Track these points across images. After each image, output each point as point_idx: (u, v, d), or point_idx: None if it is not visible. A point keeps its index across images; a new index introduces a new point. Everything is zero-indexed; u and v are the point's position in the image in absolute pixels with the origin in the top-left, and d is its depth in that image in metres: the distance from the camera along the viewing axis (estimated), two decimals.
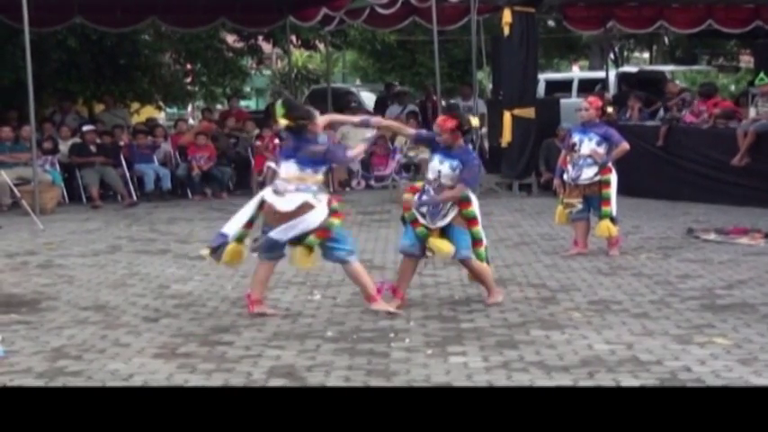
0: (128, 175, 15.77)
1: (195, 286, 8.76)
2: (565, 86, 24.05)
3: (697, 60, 33.05)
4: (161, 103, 23.50)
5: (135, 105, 22.02)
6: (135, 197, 15.43)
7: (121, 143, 16.33)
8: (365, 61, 33.14)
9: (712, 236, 10.93)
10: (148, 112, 22.74)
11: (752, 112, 13.69)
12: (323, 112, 8.62)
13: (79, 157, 15.46)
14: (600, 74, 23.82)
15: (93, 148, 15.61)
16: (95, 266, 9.86)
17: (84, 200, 15.26)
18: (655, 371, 5.92)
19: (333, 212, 7.53)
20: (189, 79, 24.04)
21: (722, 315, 7.32)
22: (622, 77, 22.93)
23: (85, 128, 16.14)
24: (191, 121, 26.02)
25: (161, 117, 25.06)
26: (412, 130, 8.79)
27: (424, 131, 8.90)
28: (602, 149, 9.95)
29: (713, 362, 6.10)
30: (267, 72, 34.06)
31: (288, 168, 7.50)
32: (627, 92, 18.68)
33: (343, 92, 28.23)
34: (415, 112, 19.09)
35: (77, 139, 15.88)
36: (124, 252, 10.76)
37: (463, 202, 7.69)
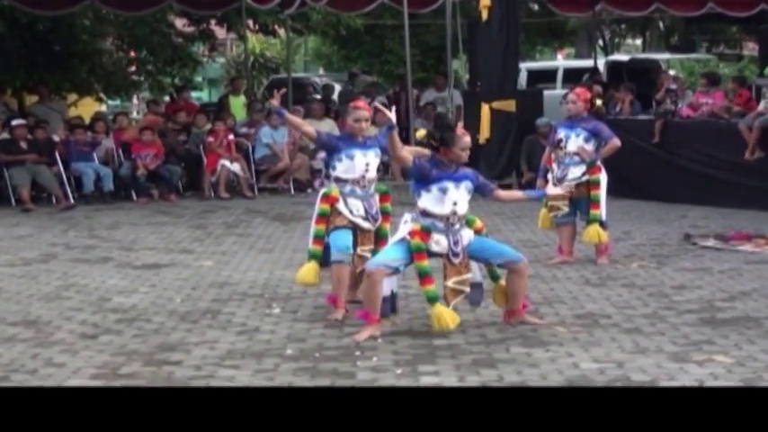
0: (64, 174, 15.64)
1: (140, 299, 8.71)
2: (549, 76, 24.16)
3: (695, 48, 33.21)
4: (102, 95, 23.36)
5: (73, 97, 21.88)
6: (72, 199, 15.31)
7: (56, 139, 16.21)
8: (329, 48, 33.19)
9: (711, 242, 10.99)
10: (88, 104, 22.60)
11: (761, 106, 13.71)
12: (283, 103, 8.61)
13: (7, 155, 15.33)
14: (588, 62, 23.96)
15: (23, 145, 15.46)
16: (26, 277, 9.79)
17: (14, 202, 15.12)
18: None
19: None
20: (133, 68, 23.93)
21: (723, 330, 7.36)
22: (612, 66, 23.05)
23: (15, 122, 16.00)
24: (134, 114, 25.90)
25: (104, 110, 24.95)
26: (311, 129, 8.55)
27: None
28: (590, 146, 9.97)
29: (713, 382, 6.13)
30: (221, 60, 34.00)
31: None
32: (605, 82, 18.72)
33: (305, 82, 28.25)
34: (384, 104, 19.06)
35: (6, 135, 15.74)
36: (59, 261, 10.69)
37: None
